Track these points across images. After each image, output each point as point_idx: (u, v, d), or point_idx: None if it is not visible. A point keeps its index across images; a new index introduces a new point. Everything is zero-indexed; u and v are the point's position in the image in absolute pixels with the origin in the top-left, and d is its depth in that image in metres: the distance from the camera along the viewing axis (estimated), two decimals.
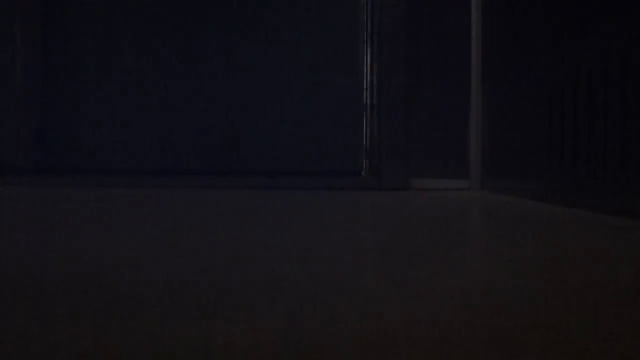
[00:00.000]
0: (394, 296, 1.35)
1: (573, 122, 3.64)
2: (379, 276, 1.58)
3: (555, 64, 3.92)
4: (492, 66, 5.25)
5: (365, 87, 6.90)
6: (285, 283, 1.47)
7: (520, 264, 1.75)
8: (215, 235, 2.33)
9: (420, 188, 5.83)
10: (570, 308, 1.26)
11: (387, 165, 5.92)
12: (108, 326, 1.09)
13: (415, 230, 2.61)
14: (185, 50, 7.16)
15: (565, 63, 3.77)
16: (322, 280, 1.50)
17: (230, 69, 7.17)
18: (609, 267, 1.74)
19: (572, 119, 3.66)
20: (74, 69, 7.17)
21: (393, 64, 5.91)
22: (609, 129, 3.22)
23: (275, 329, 1.08)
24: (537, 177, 4.19)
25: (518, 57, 4.59)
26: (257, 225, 2.68)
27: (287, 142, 7.21)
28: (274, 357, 0.95)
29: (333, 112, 7.20)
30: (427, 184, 5.87)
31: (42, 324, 1.10)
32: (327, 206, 3.82)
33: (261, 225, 2.68)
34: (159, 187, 5.82)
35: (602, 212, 3.23)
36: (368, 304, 1.28)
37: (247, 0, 7.17)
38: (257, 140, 7.22)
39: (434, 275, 1.58)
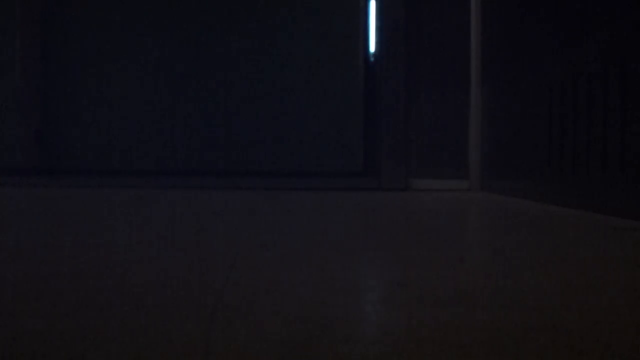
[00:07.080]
0: (395, 296, 1.35)
1: (573, 122, 3.65)
2: (379, 276, 1.58)
3: (555, 65, 3.92)
4: (492, 67, 5.25)
5: (365, 87, 6.90)
6: (285, 283, 1.47)
7: (520, 265, 1.75)
8: (216, 235, 2.33)
9: (420, 189, 5.83)
10: (569, 308, 1.26)
11: (387, 165, 5.92)
12: (108, 326, 1.09)
13: (416, 230, 2.61)
14: (185, 51, 7.16)
15: (565, 64, 3.77)
16: (322, 281, 1.50)
17: (229, 70, 7.17)
18: (609, 267, 1.74)
19: (571, 119, 3.66)
20: (74, 69, 7.18)
21: (393, 65, 5.91)
22: (608, 129, 3.22)
23: (275, 329, 1.08)
24: (536, 177, 4.19)
25: (518, 58, 4.59)
26: (257, 226, 2.68)
27: (287, 142, 7.21)
28: (273, 356, 0.95)
29: (333, 113, 7.20)
30: (427, 185, 5.87)
31: (42, 323, 1.10)
32: (327, 207, 3.82)
33: (261, 226, 2.68)
34: (159, 187, 5.81)
35: (601, 213, 3.23)
36: (368, 304, 1.28)
37: (247, 2, 7.17)
38: (257, 141, 7.22)
39: (435, 276, 1.58)
